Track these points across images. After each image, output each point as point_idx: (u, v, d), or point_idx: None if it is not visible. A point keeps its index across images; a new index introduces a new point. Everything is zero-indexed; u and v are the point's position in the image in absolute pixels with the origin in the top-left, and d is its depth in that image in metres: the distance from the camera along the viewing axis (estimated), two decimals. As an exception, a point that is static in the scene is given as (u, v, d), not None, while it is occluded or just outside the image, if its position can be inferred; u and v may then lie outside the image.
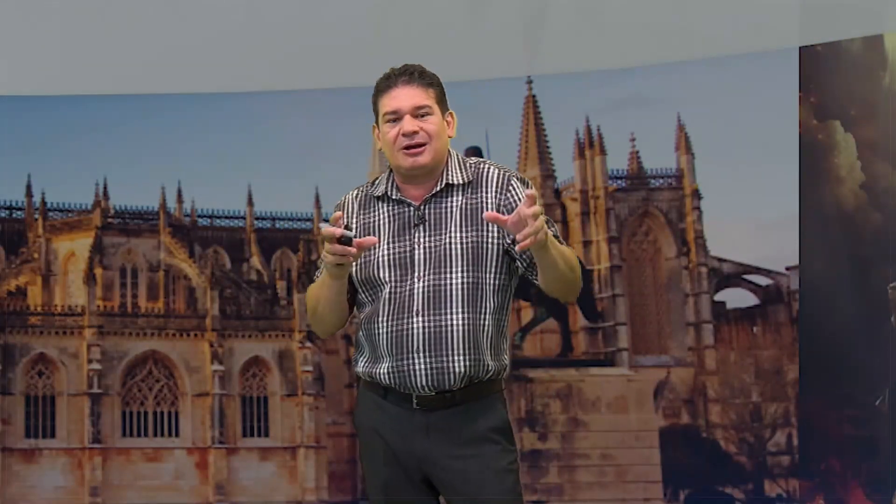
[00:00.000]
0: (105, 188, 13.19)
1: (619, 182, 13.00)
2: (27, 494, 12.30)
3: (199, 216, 13.63)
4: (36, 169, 12.64)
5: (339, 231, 3.33)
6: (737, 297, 12.46)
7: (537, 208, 3.23)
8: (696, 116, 11.62)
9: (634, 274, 12.73)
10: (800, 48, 9.19)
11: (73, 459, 12.75)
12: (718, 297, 12.54)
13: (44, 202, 13.17)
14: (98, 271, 13.44)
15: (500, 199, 3.49)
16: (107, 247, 13.56)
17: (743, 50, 9.63)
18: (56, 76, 10.09)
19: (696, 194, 12.53)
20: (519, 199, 3.46)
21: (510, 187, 3.51)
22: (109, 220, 13.50)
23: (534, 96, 12.40)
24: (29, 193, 13.14)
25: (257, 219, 13.73)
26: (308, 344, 13.22)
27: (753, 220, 11.18)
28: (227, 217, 13.84)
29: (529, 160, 12.94)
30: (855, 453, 9.05)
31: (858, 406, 8.93)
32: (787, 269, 11.66)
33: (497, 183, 3.51)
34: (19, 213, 13.33)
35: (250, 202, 13.56)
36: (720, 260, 12.64)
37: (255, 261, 13.93)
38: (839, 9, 8.99)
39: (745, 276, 12.68)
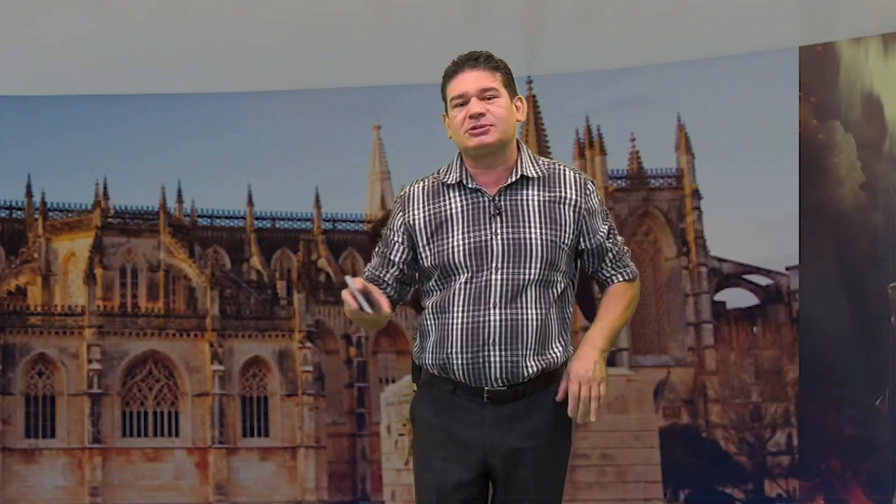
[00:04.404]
0: (105, 188, 13.20)
1: (619, 182, 13.00)
2: (27, 494, 12.30)
3: (199, 216, 13.63)
4: (36, 169, 12.66)
5: (361, 308, 3.37)
6: (737, 297, 12.47)
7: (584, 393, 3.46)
8: (696, 116, 11.63)
9: (634, 274, 12.72)
10: (800, 48, 9.19)
11: (73, 459, 12.75)
12: (718, 297, 12.55)
13: (44, 202, 13.18)
14: (98, 271, 13.44)
15: (581, 201, 3.56)
16: (107, 247, 13.56)
17: (743, 50, 9.63)
18: (56, 76, 10.10)
19: (696, 194, 12.53)
20: (594, 206, 3.58)
21: (587, 189, 3.58)
22: (109, 220, 13.51)
23: (534, 96, 12.40)
24: (29, 193, 13.15)
25: (257, 219, 13.73)
26: (308, 344, 13.23)
27: (753, 220, 11.18)
28: (227, 217, 13.85)
29: (529, 160, 12.94)
30: (855, 453, 9.05)
31: (858, 406, 8.93)
32: (787, 269, 11.66)
33: (576, 183, 3.58)
34: (19, 213, 13.33)
35: (250, 202, 13.57)
36: (720, 260, 12.64)
37: (255, 261, 13.94)
38: (839, 9, 9.00)
39: (745, 276, 12.68)
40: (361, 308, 3.35)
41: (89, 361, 13.00)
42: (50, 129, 11.98)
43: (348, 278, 3.39)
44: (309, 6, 9.44)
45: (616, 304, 3.61)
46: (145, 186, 12.99)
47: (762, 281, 12.38)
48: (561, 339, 3.53)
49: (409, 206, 3.57)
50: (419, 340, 3.59)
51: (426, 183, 3.60)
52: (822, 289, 9.16)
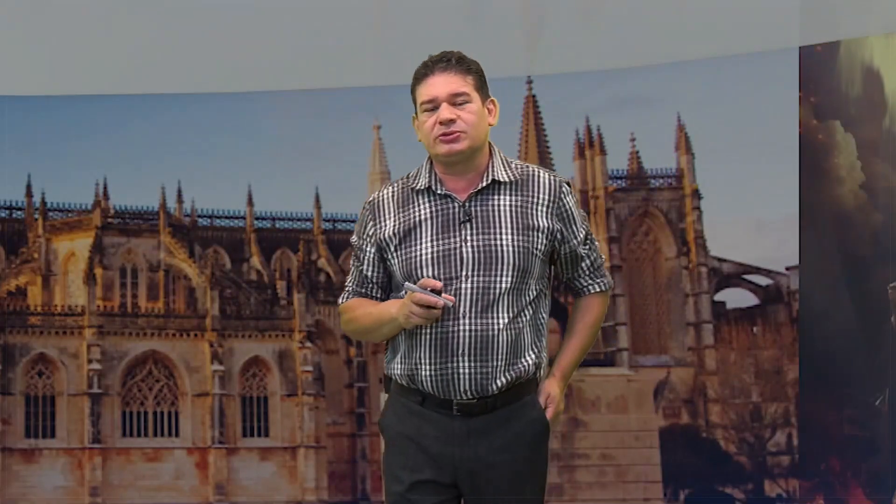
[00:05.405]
0: (105, 188, 13.20)
1: (619, 182, 13.01)
2: (27, 494, 12.30)
3: (199, 216, 13.64)
4: (36, 169, 12.66)
5: (441, 302, 3.23)
6: (737, 297, 12.47)
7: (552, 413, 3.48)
8: (696, 116, 11.64)
9: (634, 274, 12.74)
10: (800, 48, 9.19)
11: (73, 459, 12.75)
12: (718, 297, 12.56)
13: (44, 202, 13.18)
14: (98, 271, 13.44)
15: (553, 207, 3.42)
16: (107, 247, 13.56)
17: (743, 50, 9.64)
18: (56, 76, 10.10)
19: (696, 194, 12.54)
20: (570, 210, 3.44)
21: (561, 194, 3.43)
22: (109, 220, 13.51)
23: (534, 96, 12.42)
24: (29, 193, 13.15)
25: (257, 219, 13.74)
26: (308, 344, 13.23)
27: (753, 220, 11.19)
28: (227, 217, 13.85)
29: (529, 160, 12.94)
30: (855, 453, 9.06)
31: (858, 406, 8.93)
32: (787, 269, 11.67)
33: (550, 188, 3.43)
34: (19, 213, 13.34)
35: (250, 202, 13.57)
36: (720, 260, 12.65)
37: (255, 261, 13.94)
38: (839, 9, 9.00)
39: (745, 276, 12.69)
40: (446, 304, 3.25)
41: (89, 361, 13.00)
42: (50, 129, 11.98)
43: (409, 284, 3.26)
44: (309, 6, 9.45)
45: (589, 325, 3.55)
46: (145, 186, 13.00)
47: (762, 281, 12.39)
48: (534, 348, 3.43)
49: (379, 217, 3.44)
50: (389, 350, 3.49)
51: (395, 189, 3.46)
52: (823, 289, 9.16)
